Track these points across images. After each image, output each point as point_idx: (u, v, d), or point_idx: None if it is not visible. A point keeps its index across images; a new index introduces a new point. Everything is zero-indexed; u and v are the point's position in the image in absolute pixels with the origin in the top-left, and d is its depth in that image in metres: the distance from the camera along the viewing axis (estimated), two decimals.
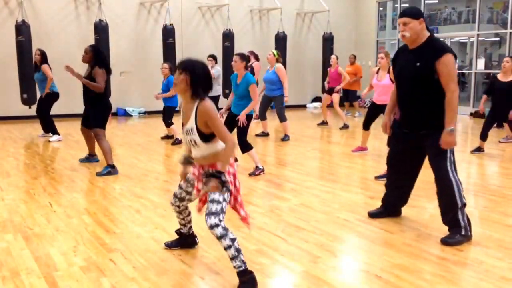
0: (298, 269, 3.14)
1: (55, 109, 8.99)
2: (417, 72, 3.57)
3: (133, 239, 3.67)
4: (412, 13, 3.57)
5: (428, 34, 3.62)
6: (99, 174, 5.80)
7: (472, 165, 6.77)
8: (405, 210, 4.40)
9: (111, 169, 5.85)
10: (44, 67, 8.38)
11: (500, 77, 7.36)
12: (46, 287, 2.86)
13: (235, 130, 5.83)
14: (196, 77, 2.87)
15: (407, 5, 17.73)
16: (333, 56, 10.82)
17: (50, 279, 2.96)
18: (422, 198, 4.78)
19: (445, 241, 3.53)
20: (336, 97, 10.47)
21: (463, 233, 3.55)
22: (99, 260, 3.26)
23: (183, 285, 2.93)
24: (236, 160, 6.46)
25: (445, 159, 3.58)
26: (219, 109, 9.95)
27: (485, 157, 7.12)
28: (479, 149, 7.38)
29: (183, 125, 3.01)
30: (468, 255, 3.36)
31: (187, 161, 3.18)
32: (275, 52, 8.47)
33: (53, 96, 8.56)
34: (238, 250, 2.80)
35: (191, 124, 2.90)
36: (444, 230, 3.70)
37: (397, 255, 3.36)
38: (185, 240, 3.47)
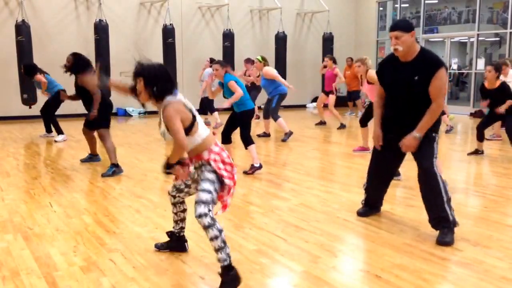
0: (298, 269, 3.14)
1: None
2: (415, 85, 3.59)
3: (133, 239, 3.67)
4: (404, 26, 3.60)
5: (418, 46, 3.67)
6: (104, 175, 5.77)
7: (472, 165, 6.77)
8: (405, 210, 4.41)
9: (115, 169, 5.84)
10: (38, 77, 8.38)
11: (486, 85, 7.17)
12: (46, 287, 2.86)
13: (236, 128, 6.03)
14: (151, 80, 2.88)
15: (407, 5, 17.75)
16: (326, 58, 10.81)
17: (50, 279, 2.96)
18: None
19: (443, 242, 3.51)
20: (331, 99, 10.46)
21: (452, 227, 3.58)
22: (99, 260, 3.26)
23: (183, 285, 2.93)
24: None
25: (432, 157, 3.64)
26: (217, 109, 10.03)
27: (485, 157, 7.11)
28: (476, 152, 7.20)
29: (159, 126, 3.05)
30: (468, 255, 3.36)
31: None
32: (259, 58, 8.59)
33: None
34: (224, 242, 2.78)
35: (163, 127, 2.94)
36: None
37: (397, 255, 3.36)
38: (175, 244, 3.40)
